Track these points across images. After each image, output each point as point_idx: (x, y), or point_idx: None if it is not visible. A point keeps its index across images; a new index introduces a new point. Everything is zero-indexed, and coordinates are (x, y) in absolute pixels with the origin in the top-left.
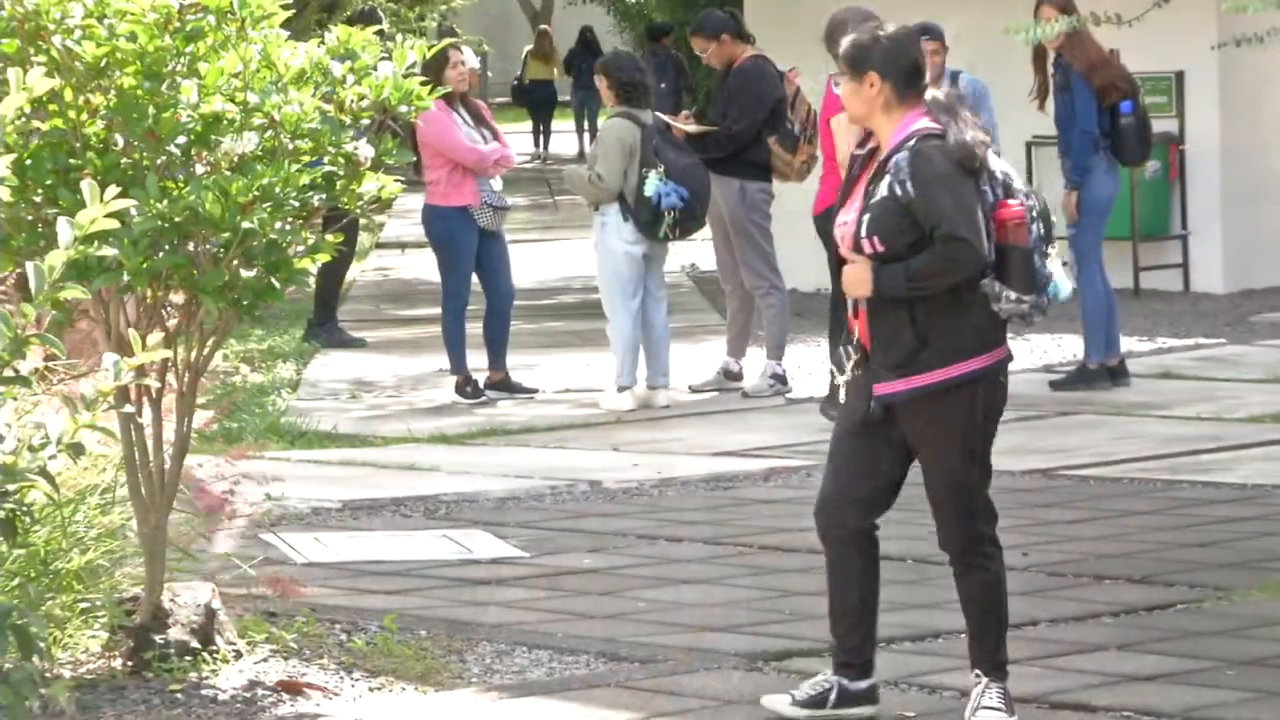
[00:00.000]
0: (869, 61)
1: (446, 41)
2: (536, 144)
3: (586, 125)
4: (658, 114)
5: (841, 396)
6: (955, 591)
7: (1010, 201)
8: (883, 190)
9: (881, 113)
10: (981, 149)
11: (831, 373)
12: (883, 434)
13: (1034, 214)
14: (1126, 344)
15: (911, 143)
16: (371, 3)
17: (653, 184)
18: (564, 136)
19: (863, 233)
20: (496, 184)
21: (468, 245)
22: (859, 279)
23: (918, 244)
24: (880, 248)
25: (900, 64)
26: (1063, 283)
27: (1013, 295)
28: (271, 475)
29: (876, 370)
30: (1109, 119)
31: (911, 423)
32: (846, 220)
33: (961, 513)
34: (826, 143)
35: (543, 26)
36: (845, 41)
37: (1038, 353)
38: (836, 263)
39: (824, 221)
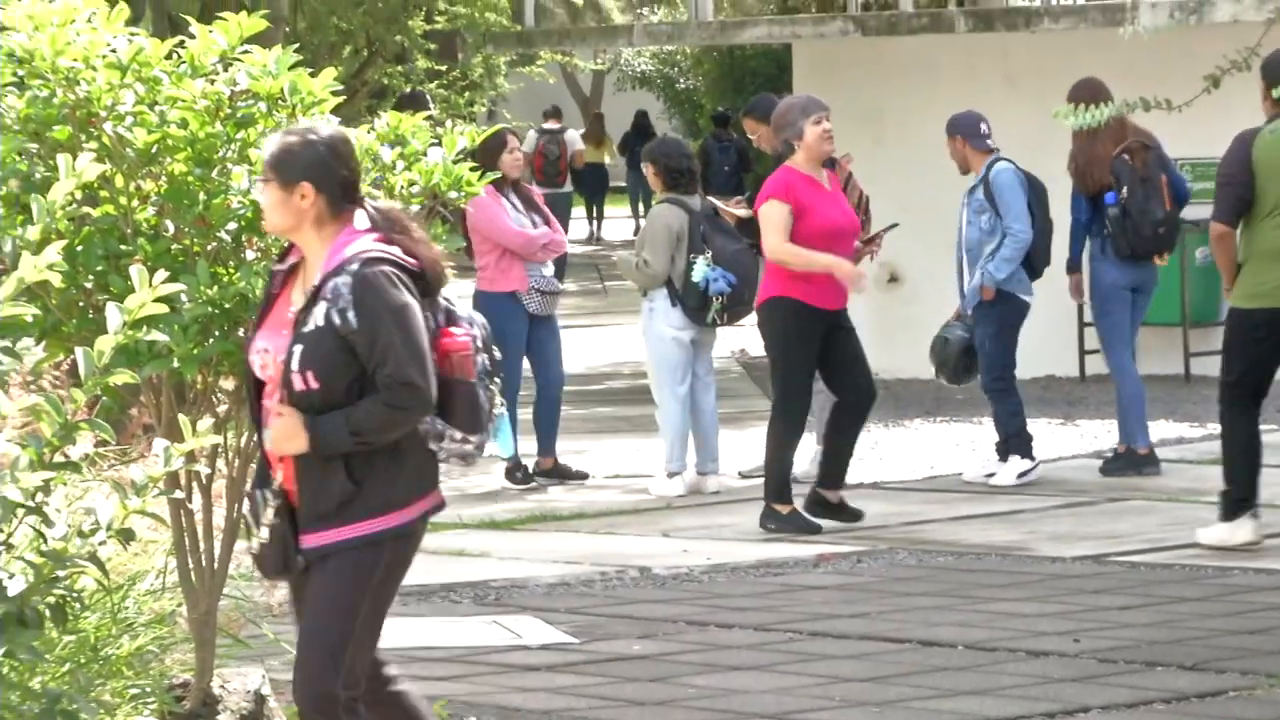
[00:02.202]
0: (300, 170)
1: (498, 127)
2: (590, 227)
3: (641, 209)
4: (709, 198)
5: (254, 547)
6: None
7: (454, 330)
8: (318, 319)
9: (312, 227)
10: (443, 269)
11: (245, 521)
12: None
13: (479, 344)
14: (1177, 430)
15: (354, 266)
16: (421, 88)
17: (700, 270)
18: (618, 222)
19: (295, 366)
20: (548, 268)
21: (517, 331)
22: (289, 434)
23: (359, 380)
24: (315, 385)
25: (337, 174)
26: (507, 437)
27: (457, 435)
28: None
29: (304, 519)
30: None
31: (314, 571)
32: (268, 347)
33: (319, 666)
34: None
35: (596, 111)
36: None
37: (1088, 438)
38: (253, 389)
39: None
